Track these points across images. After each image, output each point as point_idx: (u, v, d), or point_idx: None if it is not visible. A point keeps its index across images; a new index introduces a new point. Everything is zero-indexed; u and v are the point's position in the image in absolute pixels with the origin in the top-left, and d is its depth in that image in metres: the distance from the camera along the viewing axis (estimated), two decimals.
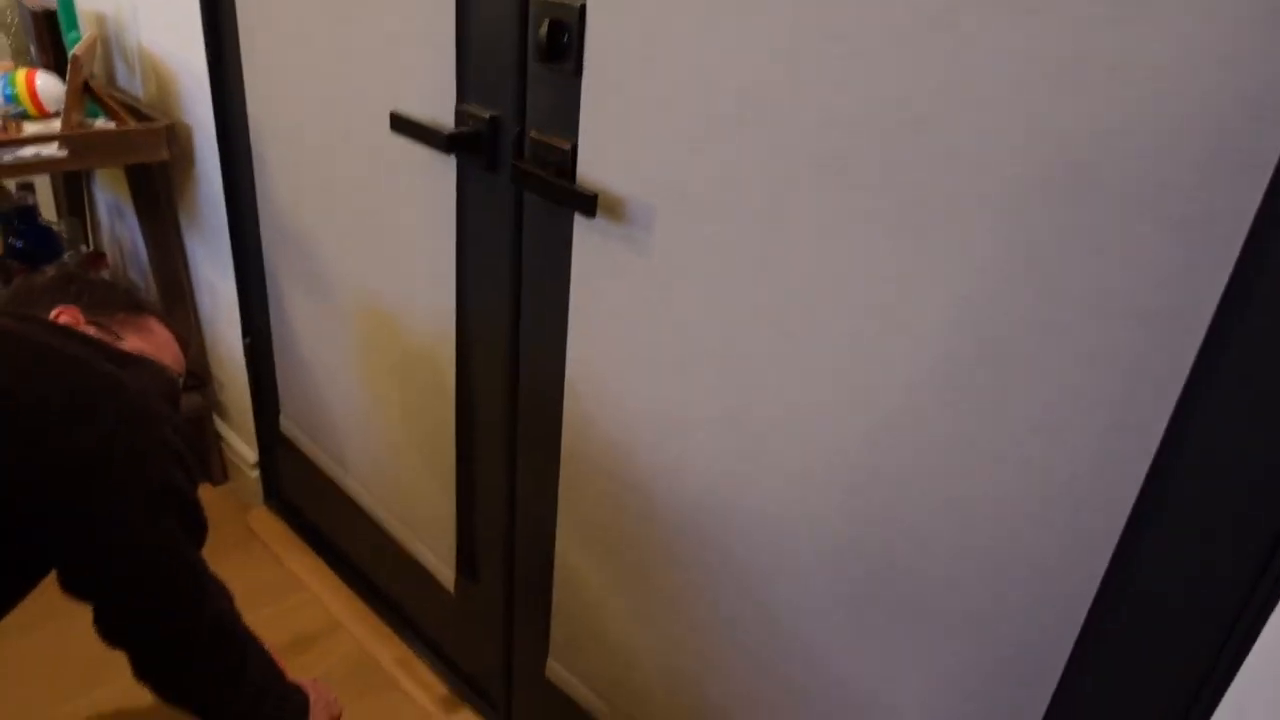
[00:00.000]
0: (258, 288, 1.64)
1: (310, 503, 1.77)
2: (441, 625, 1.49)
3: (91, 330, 0.94)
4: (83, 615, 0.89)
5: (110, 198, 2.13)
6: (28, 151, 1.46)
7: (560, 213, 0.96)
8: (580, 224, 0.94)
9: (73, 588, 0.87)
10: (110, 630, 0.90)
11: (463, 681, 1.47)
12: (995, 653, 0.73)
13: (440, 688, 1.48)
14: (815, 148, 0.70)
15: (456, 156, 1.06)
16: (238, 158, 1.54)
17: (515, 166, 0.96)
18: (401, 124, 1.07)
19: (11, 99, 1.59)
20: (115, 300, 1.06)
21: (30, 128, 1.56)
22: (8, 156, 1.44)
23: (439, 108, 1.06)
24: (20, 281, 1.06)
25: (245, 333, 1.73)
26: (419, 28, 1.05)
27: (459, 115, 1.03)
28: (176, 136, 1.63)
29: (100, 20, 1.78)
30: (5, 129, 1.51)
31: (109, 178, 2.06)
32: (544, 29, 0.87)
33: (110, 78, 1.85)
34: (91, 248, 2.14)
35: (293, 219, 1.46)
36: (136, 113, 1.64)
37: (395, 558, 1.51)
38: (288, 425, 1.72)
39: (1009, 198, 0.61)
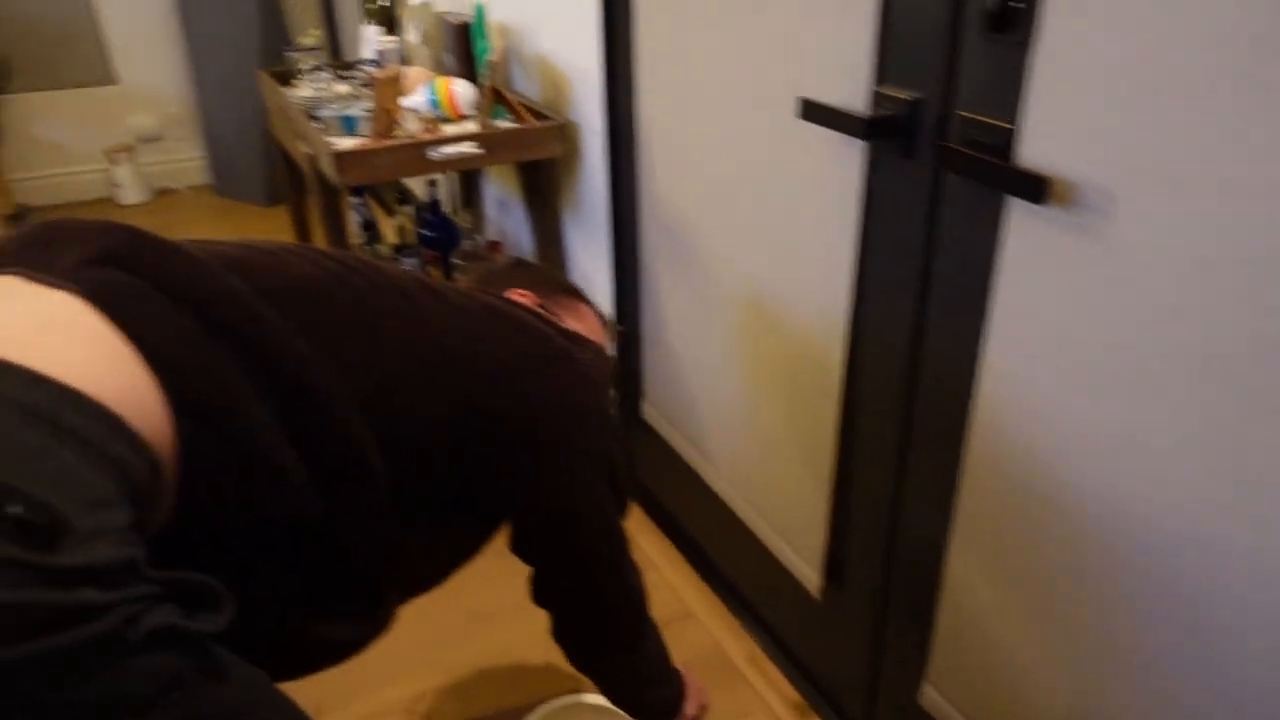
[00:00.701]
0: (632, 278, 1.71)
1: (665, 488, 1.82)
2: (800, 630, 1.45)
3: (541, 310, 1.02)
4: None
5: (498, 192, 2.35)
6: (450, 149, 1.63)
7: (989, 200, 0.87)
8: (1015, 212, 0.84)
9: (520, 543, 0.93)
10: (543, 591, 0.96)
11: (818, 691, 1.43)
12: None
13: (792, 692, 1.45)
14: None
15: (867, 143, 1.00)
16: (623, 153, 1.61)
17: (940, 148, 0.88)
18: (813, 110, 1.04)
19: (434, 104, 1.79)
20: (554, 284, 1.15)
21: (448, 129, 1.75)
22: (435, 154, 1.61)
23: (850, 92, 1.01)
24: (484, 265, 1.18)
25: (618, 320, 1.81)
26: (834, 8, 1.00)
27: (875, 99, 0.97)
28: (568, 134, 1.74)
29: (505, 31, 1.96)
30: (430, 130, 1.70)
31: (497, 173, 2.27)
32: None
33: (508, 82, 2.03)
34: (484, 237, 2.37)
35: (675, 211, 1.49)
36: (534, 113, 1.78)
37: (754, 553, 1.50)
38: (649, 411, 1.78)
39: None
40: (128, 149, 3.57)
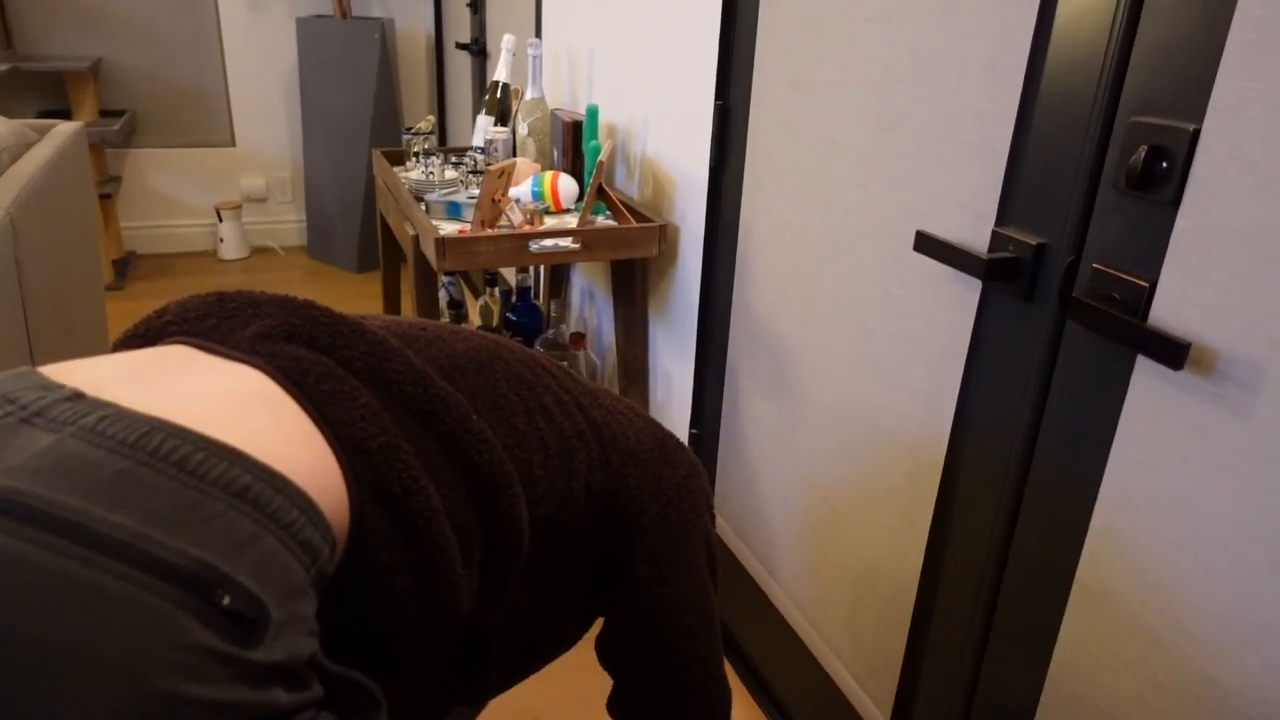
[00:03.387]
0: (714, 383, 1.70)
1: (727, 603, 1.77)
2: None
3: None
4: None
5: (585, 282, 2.38)
6: (548, 243, 1.66)
7: (1118, 357, 0.84)
8: (1144, 373, 0.81)
9: (613, 646, 0.89)
10: (624, 704, 0.91)
11: None
12: None
13: None
14: None
15: (984, 282, 0.99)
16: (720, 259, 1.62)
17: (1068, 299, 0.86)
18: (928, 244, 1.03)
19: (538, 196, 1.84)
20: None
21: (549, 221, 1.78)
22: (535, 246, 1.64)
23: (971, 229, 1.00)
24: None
25: (693, 424, 1.80)
26: (964, 143, 1.00)
27: (995, 239, 0.96)
28: (667, 236, 1.76)
29: (613, 130, 2.01)
30: (532, 221, 1.74)
31: (587, 265, 2.30)
32: (1139, 155, 0.77)
33: (611, 179, 2.07)
34: (569, 327, 2.40)
35: (768, 323, 1.48)
36: (633, 212, 1.81)
37: (818, 685, 1.43)
38: (718, 521, 1.74)
39: None
40: (235, 207, 3.74)
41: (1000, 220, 0.96)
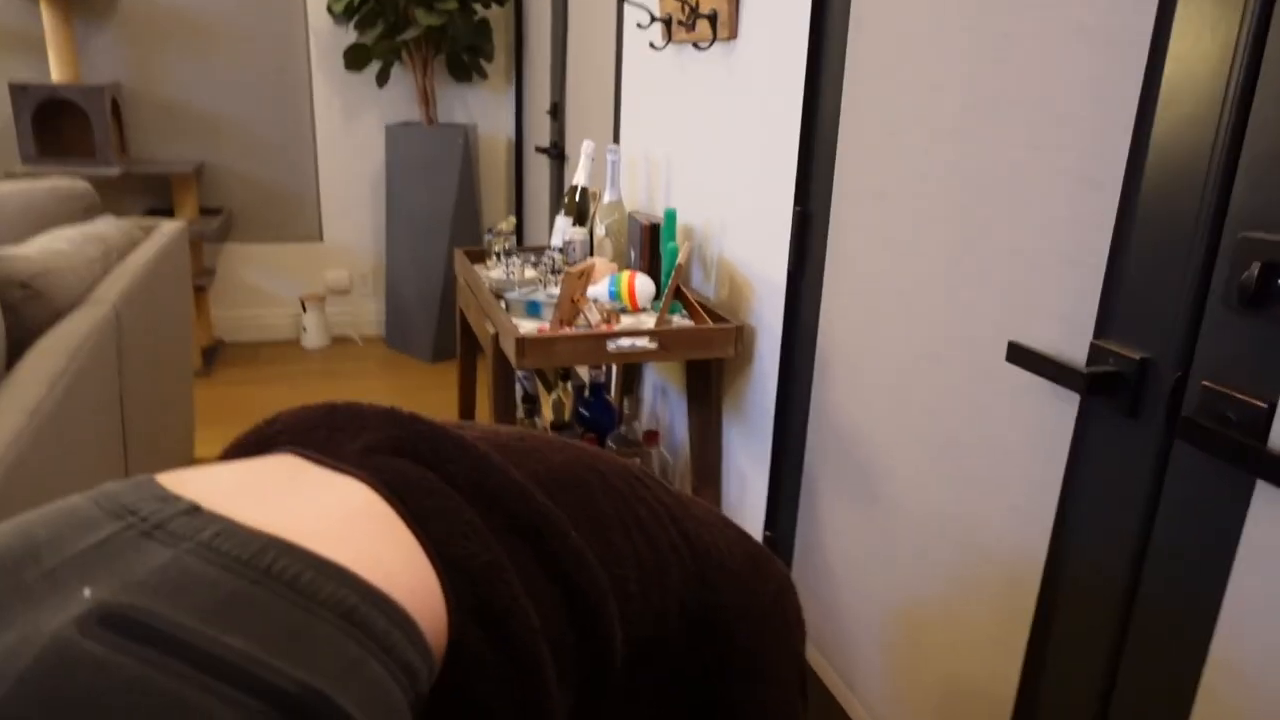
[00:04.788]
0: (791, 486, 1.66)
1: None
2: None
3: None
4: None
5: (658, 379, 2.38)
6: (625, 342, 1.67)
7: (1234, 481, 0.79)
8: (1266, 499, 0.76)
9: None
10: None
11: None
12: None
13: None
14: None
15: (1084, 396, 0.95)
16: (799, 362, 1.60)
17: (1179, 418, 0.82)
18: (1022, 355, 1.00)
19: (615, 295, 1.86)
20: None
21: (625, 320, 1.80)
22: (612, 345, 1.65)
23: (1066, 340, 0.97)
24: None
25: (768, 526, 1.75)
26: (1058, 253, 0.99)
27: (1094, 352, 0.93)
28: (743, 337, 1.76)
29: (690, 232, 2.04)
30: (609, 321, 1.76)
31: (662, 364, 2.31)
32: (1252, 271, 0.74)
33: (688, 280, 2.09)
34: (642, 425, 2.39)
35: (849, 426, 1.45)
36: (709, 312, 1.82)
37: None
38: None
39: None
40: (320, 299, 3.88)
41: (1099, 333, 0.93)
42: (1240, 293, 0.75)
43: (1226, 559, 0.80)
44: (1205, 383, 0.81)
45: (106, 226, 2.00)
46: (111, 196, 3.54)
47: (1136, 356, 0.87)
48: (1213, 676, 0.83)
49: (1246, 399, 0.77)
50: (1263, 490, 0.77)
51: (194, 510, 0.52)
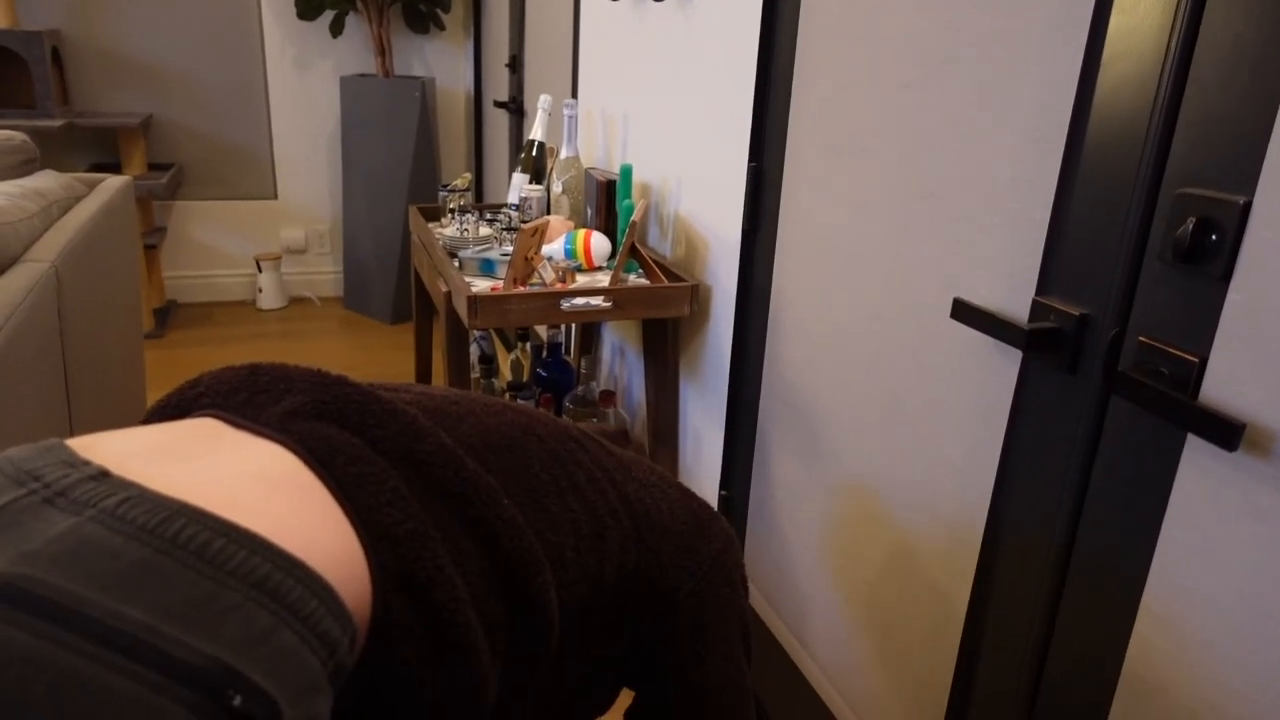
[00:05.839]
0: (745, 446, 1.67)
1: (757, 675, 1.71)
2: None
3: None
4: None
5: (616, 339, 2.38)
6: (579, 301, 1.65)
7: (1167, 434, 0.80)
8: (1196, 452, 0.78)
9: (648, 714, 0.87)
10: None
11: None
12: None
13: None
14: None
15: (1024, 352, 0.96)
16: (752, 319, 1.60)
17: (1113, 373, 0.83)
18: (966, 312, 1.00)
19: (570, 254, 1.84)
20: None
21: (581, 279, 1.79)
22: (566, 304, 1.64)
23: (1009, 298, 0.98)
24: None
25: (723, 485, 1.77)
26: (1003, 211, 0.99)
27: (1035, 309, 0.93)
28: (699, 295, 1.75)
29: (646, 189, 2.02)
30: (564, 280, 1.74)
31: (619, 323, 2.30)
32: (1187, 227, 0.75)
33: (644, 238, 2.08)
34: (599, 385, 2.39)
35: (800, 386, 1.46)
36: (665, 271, 1.81)
37: None
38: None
39: None
40: (275, 258, 3.81)
41: (1041, 290, 0.94)
42: (1175, 248, 0.76)
43: (1159, 511, 0.82)
44: (1141, 338, 0.82)
45: (46, 181, 1.93)
46: (53, 150, 3.43)
47: (1076, 313, 0.88)
48: (1144, 625, 0.85)
49: (1179, 353, 0.78)
50: (1192, 443, 0.78)
51: (101, 476, 0.51)
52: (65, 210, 1.92)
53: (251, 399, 0.63)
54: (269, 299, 3.83)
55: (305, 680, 0.49)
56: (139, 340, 2.41)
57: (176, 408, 0.65)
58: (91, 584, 0.45)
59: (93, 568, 0.45)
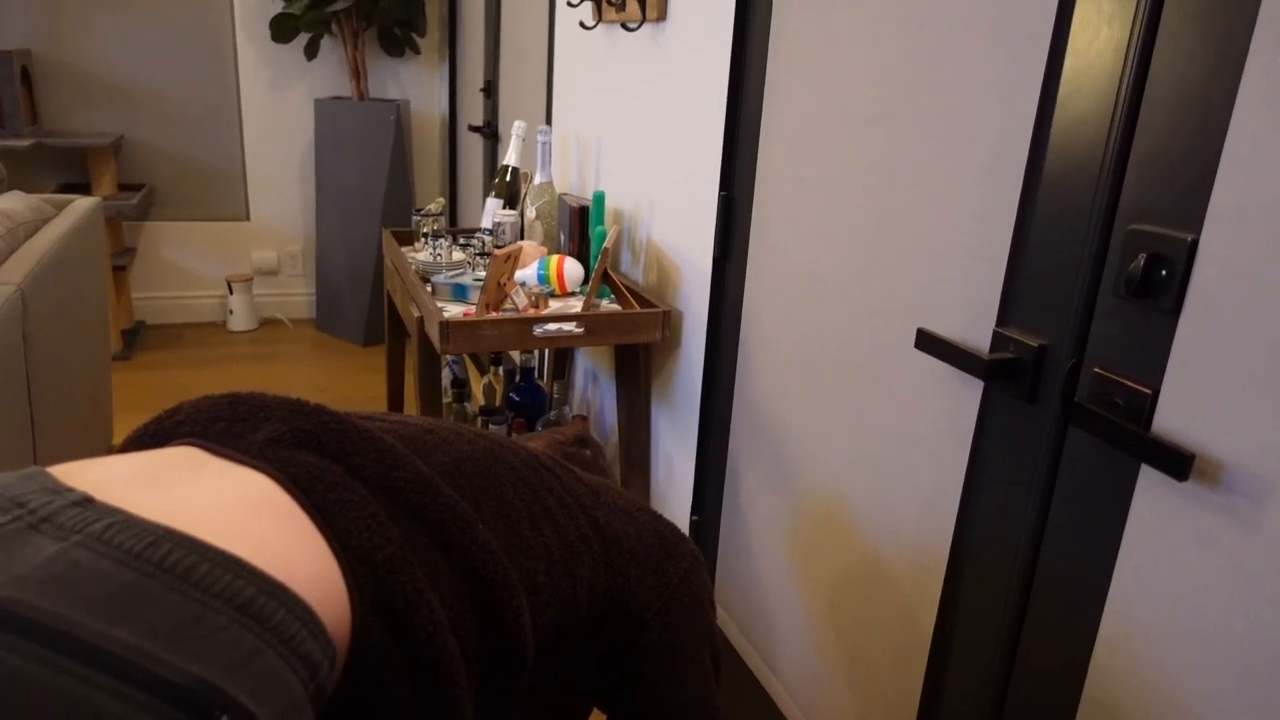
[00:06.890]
0: (716, 471, 1.68)
1: (726, 700, 1.72)
2: None
3: None
4: None
5: (589, 364, 2.38)
6: (552, 327, 1.66)
7: (1122, 463, 0.83)
8: (1150, 481, 0.80)
9: None
10: None
11: None
12: None
13: None
14: None
15: (986, 382, 0.98)
16: (724, 346, 1.62)
17: (1070, 403, 0.85)
18: (929, 342, 1.02)
19: (544, 279, 1.85)
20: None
21: (554, 304, 1.79)
22: (539, 330, 1.65)
23: (971, 328, 1.00)
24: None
25: (694, 510, 1.77)
26: (964, 244, 1.01)
27: (996, 339, 0.96)
28: (671, 321, 1.77)
29: (619, 216, 2.04)
30: (537, 305, 1.75)
31: (592, 348, 2.31)
32: (1138, 263, 0.77)
33: (616, 264, 2.09)
34: (571, 409, 2.39)
35: (770, 412, 1.47)
36: (637, 297, 1.82)
37: None
38: (718, 612, 1.70)
39: None
40: (246, 279, 3.79)
41: (1001, 321, 0.96)
42: (1128, 283, 0.78)
43: (1115, 540, 0.84)
44: (1097, 369, 0.84)
45: (13, 202, 1.92)
46: (21, 170, 3.40)
47: (1035, 344, 0.90)
48: (1102, 652, 0.86)
49: (1132, 385, 0.80)
50: (1146, 473, 0.80)
51: (86, 502, 0.51)
52: (33, 232, 1.91)
53: (231, 427, 0.64)
54: (240, 320, 3.80)
55: (288, 701, 0.50)
56: (107, 362, 2.39)
57: (155, 436, 0.65)
58: (80, 607, 0.45)
59: (81, 591, 0.46)
